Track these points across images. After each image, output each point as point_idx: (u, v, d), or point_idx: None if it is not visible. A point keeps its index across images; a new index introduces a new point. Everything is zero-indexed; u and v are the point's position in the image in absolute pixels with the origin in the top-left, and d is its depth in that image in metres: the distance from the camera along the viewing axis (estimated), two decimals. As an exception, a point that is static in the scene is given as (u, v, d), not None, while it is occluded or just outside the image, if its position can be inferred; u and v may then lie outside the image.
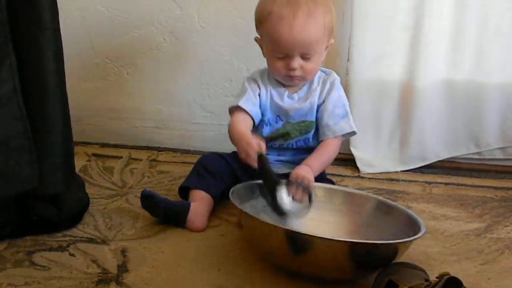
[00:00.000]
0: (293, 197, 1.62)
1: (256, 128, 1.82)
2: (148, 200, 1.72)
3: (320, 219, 1.66)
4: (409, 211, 1.59)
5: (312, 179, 1.66)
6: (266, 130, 1.83)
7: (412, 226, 1.51)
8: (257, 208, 1.63)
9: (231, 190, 1.57)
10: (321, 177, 1.82)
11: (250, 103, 1.79)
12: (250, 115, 1.79)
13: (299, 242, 1.41)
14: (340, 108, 1.80)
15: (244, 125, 1.76)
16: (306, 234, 1.39)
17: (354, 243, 1.39)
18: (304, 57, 1.73)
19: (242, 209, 1.48)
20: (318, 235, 1.39)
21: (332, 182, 1.86)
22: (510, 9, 1.96)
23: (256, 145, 1.63)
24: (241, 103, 1.78)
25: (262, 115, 1.82)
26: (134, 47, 2.21)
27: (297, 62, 1.73)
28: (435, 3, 1.96)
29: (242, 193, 1.62)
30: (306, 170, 1.68)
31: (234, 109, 1.80)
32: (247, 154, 1.64)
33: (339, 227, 1.66)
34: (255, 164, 1.63)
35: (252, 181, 1.68)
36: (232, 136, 1.73)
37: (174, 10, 2.14)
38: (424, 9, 1.97)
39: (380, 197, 1.71)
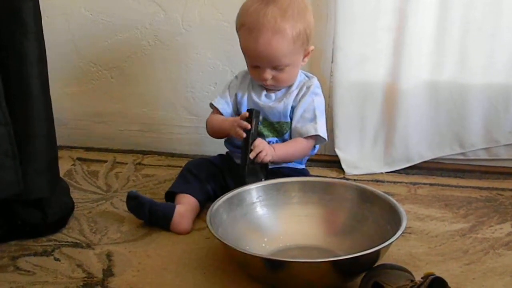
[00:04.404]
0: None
1: None
2: (134, 202, 1.72)
3: (302, 214, 1.67)
4: (391, 198, 1.59)
5: (270, 153, 1.73)
6: None
7: (394, 214, 1.53)
8: (236, 218, 1.63)
9: (208, 214, 1.55)
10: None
11: (223, 102, 1.88)
12: (222, 114, 1.87)
13: (277, 267, 1.41)
14: (310, 112, 1.82)
15: (221, 117, 1.87)
16: (283, 260, 1.42)
17: (334, 261, 1.40)
18: (276, 68, 1.75)
19: (217, 237, 1.46)
20: (295, 260, 1.43)
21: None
22: (493, 10, 1.97)
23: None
24: (215, 102, 1.89)
25: (239, 110, 1.86)
26: (118, 51, 2.21)
27: (268, 73, 1.77)
28: (418, 5, 1.97)
29: (223, 207, 1.61)
30: (269, 146, 1.75)
31: (211, 107, 1.91)
32: (238, 125, 1.73)
33: (321, 221, 1.66)
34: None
35: (232, 192, 1.67)
36: (214, 125, 1.87)
37: (158, 14, 2.14)
38: (407, 10, 1.98)
39: (362, 185, 1.72)
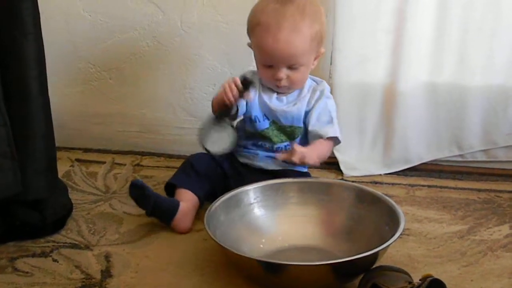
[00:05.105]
0: None
1: (243, 122, 1.85)
2: (139, 191, 1.71)
3: (300, 214, 1.68)
4: (389, 199, 1.60)
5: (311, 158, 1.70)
6: (255, 126, 1.84)
7: (393, 214, 1.53)
8: (234, 219, 1.63)
9: (205, 216, 1.55)
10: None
11: None
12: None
13: (275, 270, 1.41)
14: (326, 115, 1.82)
15: None
16: (280, 263, 1.41)
17: (332, 264, 1.39)
18: (291, 67, 1.75)
19: (215, 239, 1.46)
20: (292, 263, 1.41)
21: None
22: (491, 11, 1.97)
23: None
24: None
25: (250, 112, 1.83)
26: (117, 52, 2.21)
27: (283, 73, 1.75)
28: (417, 6, 1.97)
29: (220, 209, 1.62)
30: (307, 150, 1.72)
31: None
32: (226, 92, 1.71)
33: (319, 222, 1.67)
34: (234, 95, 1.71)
35: (230, 193, 1.67)
36: (215, 98, 1.79)
37: (157, 15, 2.14)
38: (406, 12, 1.98)
39: (360, 185, 1.72)
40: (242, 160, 1.88)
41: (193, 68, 2.18)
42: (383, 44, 2.04)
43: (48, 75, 1.63)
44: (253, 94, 1.79)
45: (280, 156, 1.73)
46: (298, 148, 1.70)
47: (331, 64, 2.07)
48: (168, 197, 1.79)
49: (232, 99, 1.71)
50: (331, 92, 2.05)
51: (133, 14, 2.15)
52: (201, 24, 2.13)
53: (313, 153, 1.73)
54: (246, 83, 1.72)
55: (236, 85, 1.71)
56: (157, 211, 1.72)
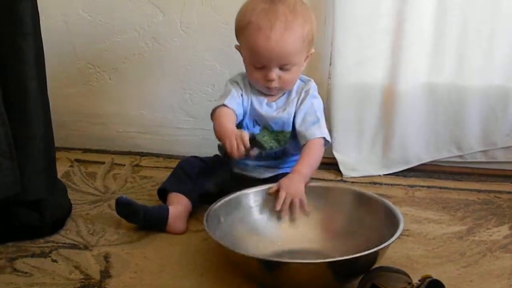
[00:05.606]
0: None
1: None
2: (126, 209, 1.71)
3: (299, 218, 1.67)
4: (387, 202, 1.60)
5: (302, 191, 1.65)
6: None
7: (392, 217, 1.53)
8: (233, 222, 1.63)
9: (206, 214, 1.55)
10: None
11: (235, 102, 1.79)
12: (235, 113, 1.78)
13: (274, 268, 1.41)
14: (311, 115, 1.80)
15: (229, 120, 1.75)
16: (280, 261, 1.41)
17: (331, 262, 1.39)
18: (283, 68, 1.74)
19: (215, 238, 1.46)
20: (292, 261, 1.42)
21: None
22: (490, 12, 1.97)
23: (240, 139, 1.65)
24: (227, 102, 1.77)
25: (244, 118, 1.83)
26: (116, 52, 2.21)
27: (275, 73, 1.74)
28: (416, 7, 1.97)
29: (220, 210, 1.61)
30: (297, 179, 1.67)
31: (218, 108, 1.78)
32: (232, 148, 1.65)
33: (318, 225, 1.66)
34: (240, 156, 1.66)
35: (230, 196, 1.66)
36: (218, 131, 1.73)
37: (156, 15, 2.14)
38: (405, 13, 1.98)
39: (359, 189, 1.72)
40: (234, 170, 1.87)
41: (192, 69, 2.18)
42: (382, 45, 2.04)
43: (47, 75, 1.63)
44: (256, 152, 1.72)
45: (279, 208, 1.65)
46: (283, 192, 1.64)
47: (330, 65, 2.07)
48: (157, 205, 1.78)
49: (237, 157, 1.67)
50: (330, 93, 2.06)
51: (133, 15, 2.15)
52: (201, 24, 2.13)
53: (303, 172, 1.70)
54: (253, 143, 1.67)
55: (244, 145, 1.65)
56: (148, 222, 1.72)
